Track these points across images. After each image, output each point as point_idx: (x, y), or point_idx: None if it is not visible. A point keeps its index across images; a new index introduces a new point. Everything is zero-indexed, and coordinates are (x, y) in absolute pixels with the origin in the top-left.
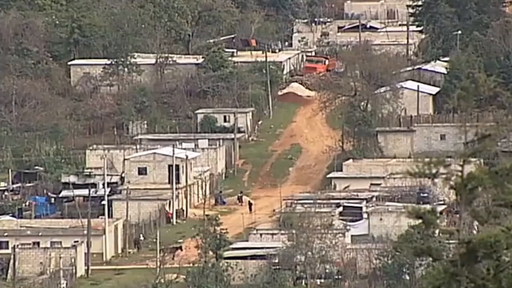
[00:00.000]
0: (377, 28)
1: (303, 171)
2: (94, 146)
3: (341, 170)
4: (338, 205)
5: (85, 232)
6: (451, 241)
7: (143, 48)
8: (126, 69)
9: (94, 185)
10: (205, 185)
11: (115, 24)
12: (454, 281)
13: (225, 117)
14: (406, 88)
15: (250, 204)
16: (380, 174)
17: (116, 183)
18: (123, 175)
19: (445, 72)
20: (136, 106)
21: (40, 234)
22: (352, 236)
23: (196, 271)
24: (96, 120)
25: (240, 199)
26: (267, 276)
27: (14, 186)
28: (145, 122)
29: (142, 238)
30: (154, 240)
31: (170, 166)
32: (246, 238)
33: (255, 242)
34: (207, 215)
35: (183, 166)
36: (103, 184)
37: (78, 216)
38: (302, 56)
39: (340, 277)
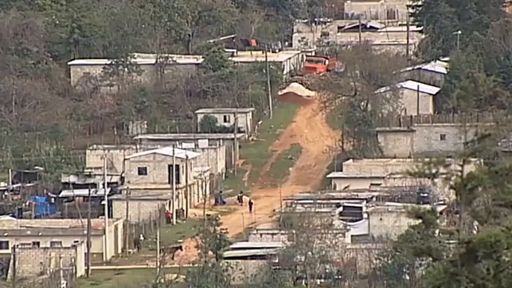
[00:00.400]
0: (377, 28)
1: (303, 171)
2: (94, 146)
3: (341, 170)
4: (338, 205)
5: (85, 232)
6: (451, 241)
7: (143, 48)
8: (126, 69)
9: (94, 185)
10: (205, 185)
11: (115, 24)
12: (454, 281)
13: (225, 117)
14: (406, 88)
15: (250, 204)
16: (380, 174)
17: (116, 183)
18: (123, 175)
19: (445, 72)
20: (136, 106)
21: (40, 234)
22: (352, 236)
23: (196, 271)
24: (96, 120)
25: (240, 199)
26: (267, 276)
27: (14, 186)
28: (145, 122)
29: (142, 238)
30: (154, 240)
31: (170, 166)
32: (246, 238)
33: (255, 242)
34: (207, 215)
35: (183, 166)
36: (103, 184)
37: (78, 216)
38: (302, 56)
39: (340, 277)
